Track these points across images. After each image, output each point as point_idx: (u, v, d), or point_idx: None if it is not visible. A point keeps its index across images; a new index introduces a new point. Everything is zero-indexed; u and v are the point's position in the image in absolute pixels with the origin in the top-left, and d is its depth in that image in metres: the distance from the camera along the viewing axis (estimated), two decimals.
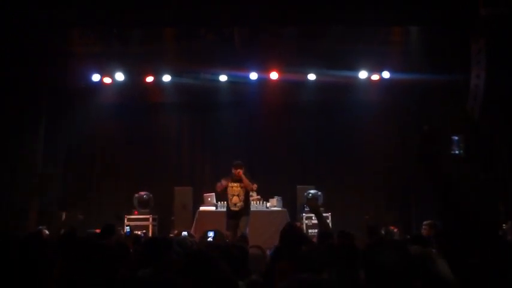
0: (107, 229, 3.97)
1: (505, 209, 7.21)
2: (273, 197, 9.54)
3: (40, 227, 7.27)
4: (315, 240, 5.43)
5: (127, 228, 7.58)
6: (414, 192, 9.81)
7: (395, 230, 8.23)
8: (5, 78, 7.97)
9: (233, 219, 7.71)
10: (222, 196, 8.42)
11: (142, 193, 9.79)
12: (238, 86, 10.12)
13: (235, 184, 7.80)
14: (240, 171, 7.71)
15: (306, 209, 9.43)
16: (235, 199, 7.78)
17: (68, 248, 3.08)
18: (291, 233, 3.84)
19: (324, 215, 8.56)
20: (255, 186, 8.04)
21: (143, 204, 9.71)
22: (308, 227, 9.26)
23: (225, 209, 8.10)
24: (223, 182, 7.84)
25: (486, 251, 1.56)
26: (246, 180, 7.76)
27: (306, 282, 1.61)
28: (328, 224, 5.89)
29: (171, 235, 7.74)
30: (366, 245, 2.11)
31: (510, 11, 6.22)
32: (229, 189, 7.83)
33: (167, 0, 6.97)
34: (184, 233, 5.92)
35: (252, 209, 8.21)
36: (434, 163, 1.75)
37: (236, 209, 7.75)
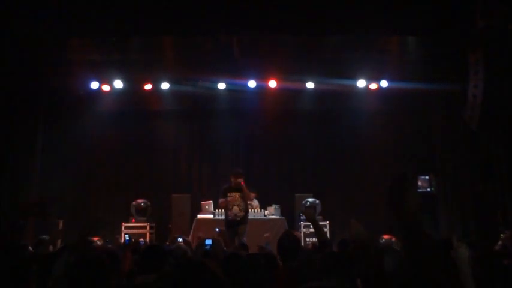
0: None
1: (504, 219, 7.21)
2: (271, 205, 9.52)
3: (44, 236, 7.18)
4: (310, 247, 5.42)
5: (126, 237, 7.49)
6: None
7: (394, 239, 8.20)
8: (4, 85, 7.97)
9: (232, 228, 7.61)
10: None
11: (140, 201, 9.75)
12: (236, 94, 10.11)
13: (234, 193, 7.63)
14: (242, 182, 7.56)
15: (302, 218, 9.40)
16: (235, 209, 7.60)
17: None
18: (289, 241, 3.82)
19: (322, 223, 8.55)
20: (252, 195, 7.98)
21: (141, 212, 9.66)
22: (306, 235, 9.23)
23: (222, 217, 8.06)
24: (222, 201, 7.67)
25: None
26: (247, 191, 7.63)
27: None
28: (325, 233, 5.87)
29: (167, 243, 7.66)
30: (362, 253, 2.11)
31: (506, 23, 6.27)
32: (229, 199, 7.64)
33: (166, 9, 6.99)
34: (180, 239, 5.82)
35: (250, 217, 8.10)
36: (400, 211, 1.77)
37: (237, 218, 7.61)
